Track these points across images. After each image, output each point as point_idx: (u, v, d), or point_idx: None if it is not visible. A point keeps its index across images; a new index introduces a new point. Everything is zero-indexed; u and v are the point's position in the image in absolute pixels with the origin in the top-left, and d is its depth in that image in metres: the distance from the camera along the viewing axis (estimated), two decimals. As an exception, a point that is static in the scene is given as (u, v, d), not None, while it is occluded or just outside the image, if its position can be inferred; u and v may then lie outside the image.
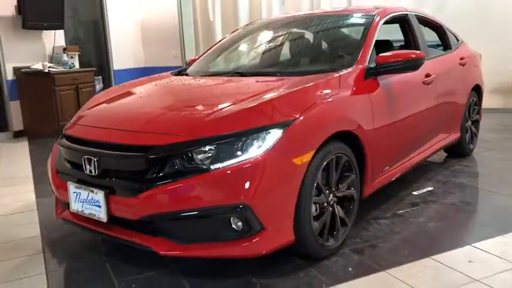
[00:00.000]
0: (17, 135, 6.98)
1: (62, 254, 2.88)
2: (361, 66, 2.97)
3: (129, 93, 3.05)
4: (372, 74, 3.00)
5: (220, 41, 4.03)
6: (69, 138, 2.67)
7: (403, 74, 3.19)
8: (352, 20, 3.53)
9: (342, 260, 2.60)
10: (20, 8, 6.78)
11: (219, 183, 2.18)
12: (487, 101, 7.25)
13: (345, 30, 3.57)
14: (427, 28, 4.35)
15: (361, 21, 3.42)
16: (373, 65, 3.01)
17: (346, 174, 2.72)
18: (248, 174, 2.18)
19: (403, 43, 4.03)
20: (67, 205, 2.65)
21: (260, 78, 2.95)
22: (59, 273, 2.65)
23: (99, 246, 2.93)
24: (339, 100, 2.65)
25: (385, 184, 3.24)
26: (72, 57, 7.49)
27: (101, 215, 2.37)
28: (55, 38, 7.42)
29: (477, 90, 4.69)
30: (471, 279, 2.34)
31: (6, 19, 6.81)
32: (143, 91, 3.07)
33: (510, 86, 7.20)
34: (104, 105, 2.92)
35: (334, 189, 2.63)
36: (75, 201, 2.50)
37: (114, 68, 9.12)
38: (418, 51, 3.07)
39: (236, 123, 2.30)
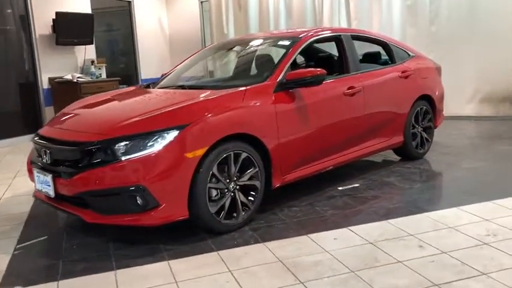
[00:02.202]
0: (50, 135, 8.12)
1: (37, 224, 3.79)
2: (273, 81, 3.66)
3: (91, 103, 3.93)
4: (283, 87, 3.68)
5: (184, 60, 4.84)
6: (39, 136, 3.56)
7: (322, 87, 3.85)
8: (282, 42, 4.21)
9: (237, 235, 3.30)
10: (55, 27, 7.93)
11: (127, 169, 2.97)
12: (479, 109, 7.64)
13: (274, 50, 4.25)
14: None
15: (288, 42, 4.10)
16: (284, 80, 3.69)
17: (250, 168, 3.42)
18: (147, 163, 2.95)
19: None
20: (38, 186, 3.54)
21: (192, 91, 3.72)
22: (30, 235, 3.53)
23: (67, 221, 3.81)
24: (237, 109, 3.36)
25: (302, 178, 3.89)
26: (99, 68, 8.58)
27: (51, 192, 3.22)
28: (85, 52, 8.54)
29: (428, 100, 5.19)
30: (323, 250, 2.97)
31: (43, 37, 7.98)
32: (100, 101, 3.92)
33: (500, 95, 7.48)
34: (68, 112, 3.80)
35: (235, 179, 3.33)
36: (37, 182, 3.38)
37: (142, 77, 10.19)
38: (320, 69, 3.70)
39: (144, 125, 3.08)
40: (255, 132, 3.41)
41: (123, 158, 2.98)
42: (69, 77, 8.00)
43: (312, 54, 5.41)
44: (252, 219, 3.49)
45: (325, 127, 3.98)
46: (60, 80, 8.01)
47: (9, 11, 7.74)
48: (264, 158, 3.51)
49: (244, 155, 3.35)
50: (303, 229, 3.35)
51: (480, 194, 3.87)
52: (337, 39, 4.43)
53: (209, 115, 3.19)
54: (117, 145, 3.01)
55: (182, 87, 3.97)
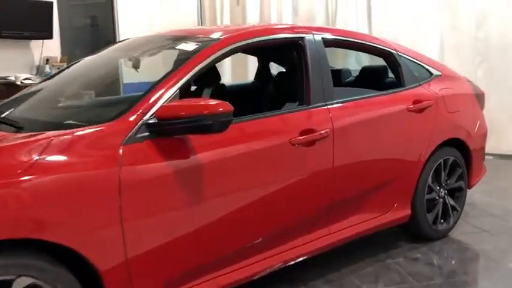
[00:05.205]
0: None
1: None
2: (128, 121, 1.88)
3: None
4: (152, 134, 1.89)
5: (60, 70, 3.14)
6: None
7: (242, 132, 2.08)
8: (185, 47, 2.37)
9: None
10: (-2, 17, 6.44)
11: None
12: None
13: (166, 62, 2.45)
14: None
15: (191, 48, 2.29)
16: (154, 119, 1.90)
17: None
18: None
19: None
20: None
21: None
22: None
23: None
24: (13, 186, 1.58)
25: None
26: (58, 68, 7.03)
27: None
28: (42, 48, 7.02)
29: (459, 145, 3.26)
30: None
31: (-15, 28, 6.51)
32: None
33: None
34: None
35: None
36: None
37: (125, 81, 8.58)
38: (224, 103, 1.88)
39: None
40: (59, 236, 1.63)
41: None
42: (12, 78, 6.50)
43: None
44: None
45: (246, 206, 2.16)
46: (4, 81, 6.51)
47: None
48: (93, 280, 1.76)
49: (23, 282, 1.59)
50: None
51: None
52: (294, 45, 2.58)
53: None
54: None
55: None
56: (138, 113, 1.90)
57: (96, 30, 8.68)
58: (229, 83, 3.94)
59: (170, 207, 1.92)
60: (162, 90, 1.99)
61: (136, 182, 1.81)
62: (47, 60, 7.02)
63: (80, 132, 1.80)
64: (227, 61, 6.33)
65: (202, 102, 1.90)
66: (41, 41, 7.02)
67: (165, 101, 1.97)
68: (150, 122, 1.90)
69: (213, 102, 1.89)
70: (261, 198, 2.20)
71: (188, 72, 2.09)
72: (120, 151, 1.79)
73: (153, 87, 2.01)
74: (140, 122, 1.88)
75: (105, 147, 1.79)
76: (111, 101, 2.70)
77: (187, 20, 8.60)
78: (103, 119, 1.90)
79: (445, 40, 5.85)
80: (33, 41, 6.97)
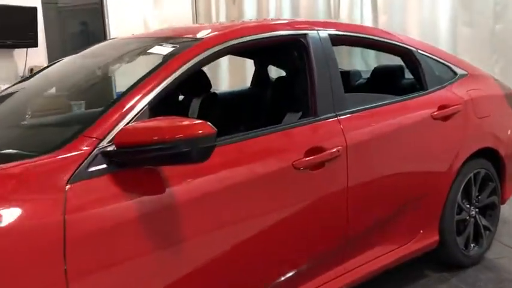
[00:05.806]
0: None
1: None
2: (82, 148, 1.42)
3: None
4: (112, 165, 1.44)
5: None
6: None
7: (232, 157, 1.62)
8: (160, 50, 1.91)
9: None
10: (-24, 24, 6.03)
11: None
12: None
13: (135, 70, 1.99)
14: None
15: (166, 51, 1.84)
16: (112, 148, 1.45)
17: None
18: None
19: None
20: None
21: None
22: None
23: None
24: None
25: None
26: (44, 79, 6.61)
27: None
28: (27, 57, 6.60)
29: (490, 156, 2.80)
30: None
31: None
32: None
33: None
34: None
35: None
36: None
37: (117, 90, 8.15)
38: (206, 124, 1.42)
39: None
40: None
41: None
42: (-7, 89, 6.08)
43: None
44: None
45: (240, 249, 1.70)
46: (-15, 93, 6.10)
47: None
48: None
49: None
50: None
51: None
52: (295, 44, 2.12)
53: None
54: None
55: None
56: (91, 138, 1.45)
57: (85, 37, 8.27)
58: (222, 90, 3.49)
59: (136, 260, 1.46)
60: (126, 107, 1.54)
61: (88, 233, 1.35)
62: (31, 70, 6.59)
63: (10, 169, 1.34)
64: (222, 64, 5.90)
65: (176, 123, 1.43)
66: (25, 49, 6.62)
67: (129, 122, 1.51)
68: (108, 149, 1.44)
69: (190, 122, 1.43)
70: (259, 238, 1.74)
71: (159, 83, 1.64)
72: (65, 192, 1.34)
73: (113, 103, 1.55)
74: (94, 151, 1.43)
75: (44, 188, 1.34)
76: (65, 120, 2.25)
77: (184, 22, 8.20)
78: (46, 147, 1.45)
79: (458, 35, 5.37)
80: (16, 49, 6.56)
